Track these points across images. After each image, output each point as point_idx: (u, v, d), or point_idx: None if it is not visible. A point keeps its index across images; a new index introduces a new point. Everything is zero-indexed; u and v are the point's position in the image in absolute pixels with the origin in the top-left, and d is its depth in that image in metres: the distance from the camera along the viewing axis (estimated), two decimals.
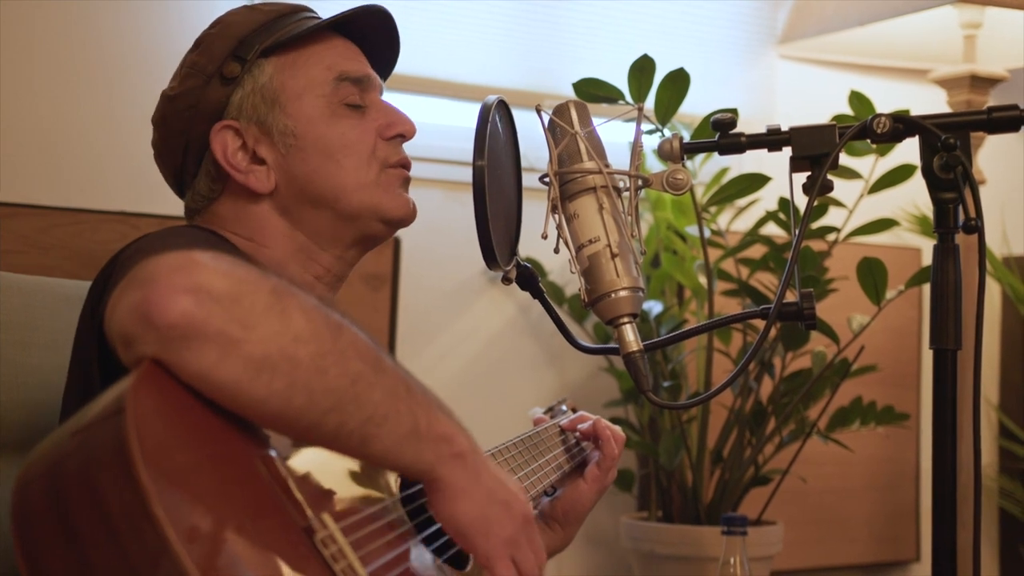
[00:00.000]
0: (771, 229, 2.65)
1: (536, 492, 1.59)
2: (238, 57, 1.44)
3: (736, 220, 2.94)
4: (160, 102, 1.47)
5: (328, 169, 1.44)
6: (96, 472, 0.86)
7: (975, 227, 1.29)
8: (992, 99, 2.90)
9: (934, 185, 1.33)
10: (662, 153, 1.38)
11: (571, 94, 2.25)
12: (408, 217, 1.48)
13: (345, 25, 1.50)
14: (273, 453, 1.01)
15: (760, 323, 1.37)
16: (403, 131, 1.48)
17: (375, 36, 1.53)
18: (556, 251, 1.38)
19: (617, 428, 1.75)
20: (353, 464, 1.17)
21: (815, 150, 1.35)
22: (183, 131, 1.44)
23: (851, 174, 2.50)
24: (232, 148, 1.43)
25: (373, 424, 1.05)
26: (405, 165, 1.49)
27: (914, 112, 1.39)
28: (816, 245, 2.61)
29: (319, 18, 1.50)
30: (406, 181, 1.49)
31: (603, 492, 1.71)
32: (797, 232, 1.34)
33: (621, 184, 1.37)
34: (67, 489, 0.87)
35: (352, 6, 1.49)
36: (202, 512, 0.88)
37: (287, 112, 1.44)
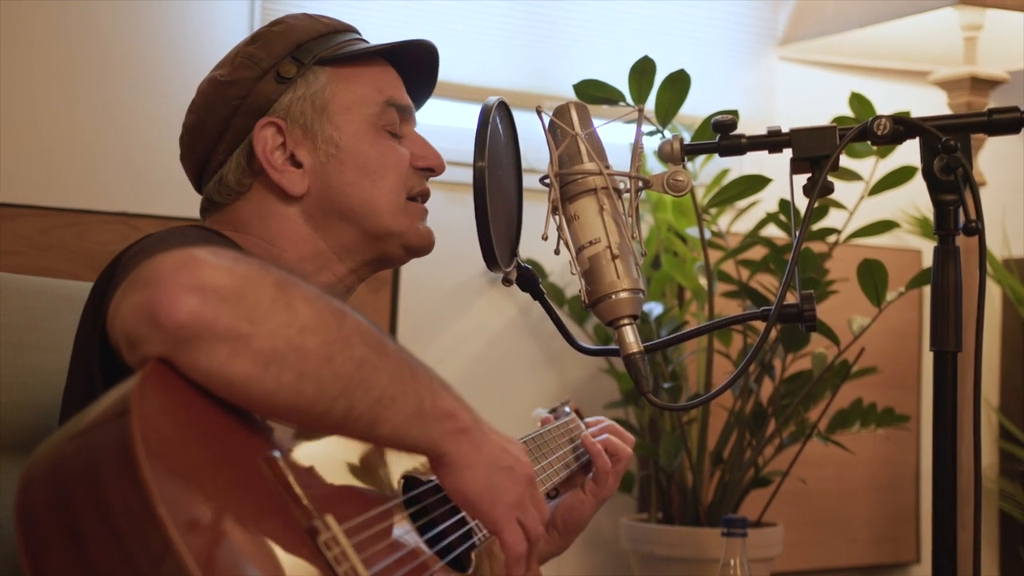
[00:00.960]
0: (771, 231, 2.65)
1: (542, 492, 1.58)
2: (296, 59, 1.46)
3: (736, 222, 2.94)
4: (206, 85, 1.48)
5: (363, 185, 1.46)
6: (100, 472, 0.86)
7: (975, 229, 1.29)
8: (992, 101, 2.91)
9: (934, 187, 1.33)
10: (663, 155, 1.38)
11: (571, 95, 2.25)
12: (428, 247, 1.53)
13: (394, 53, 1.52)
14: (277, 454, 1.01)
15: (760, 325, 1.37)
16: (433, 165, 1.53)
17: (417, 68, 1.55)
18: (557, 252, 1.38)
19: (615, 441, 1.72)
20: (357, 465, 1.17)
21: (815, 152, 1.35)
22: (226, 118, 1.45)
23: (851, 176, 2.50)
24: (272, 145, 1.44)
25: (381, 406, 1.07)
26: (426, 195, 1.53)
27: (914, 114, 1.39)
28: (816, 247, 2.61)
29: (366, 41, 1.53)
30: (426, 214, 1.53)
31: (602, 503, 1.71)
32: (798, 234, 1.34)
33: (622, 185, 1.37)
34: (71, 489, 0.87)
35: (380, 30, 1.50)
36: (205, 513, 0.88)
37: (334, 122, 1.46)
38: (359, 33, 1.55)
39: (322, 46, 1.48)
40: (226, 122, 1.45)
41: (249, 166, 1.45)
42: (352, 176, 1.46)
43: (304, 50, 1.46)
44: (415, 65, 1.55)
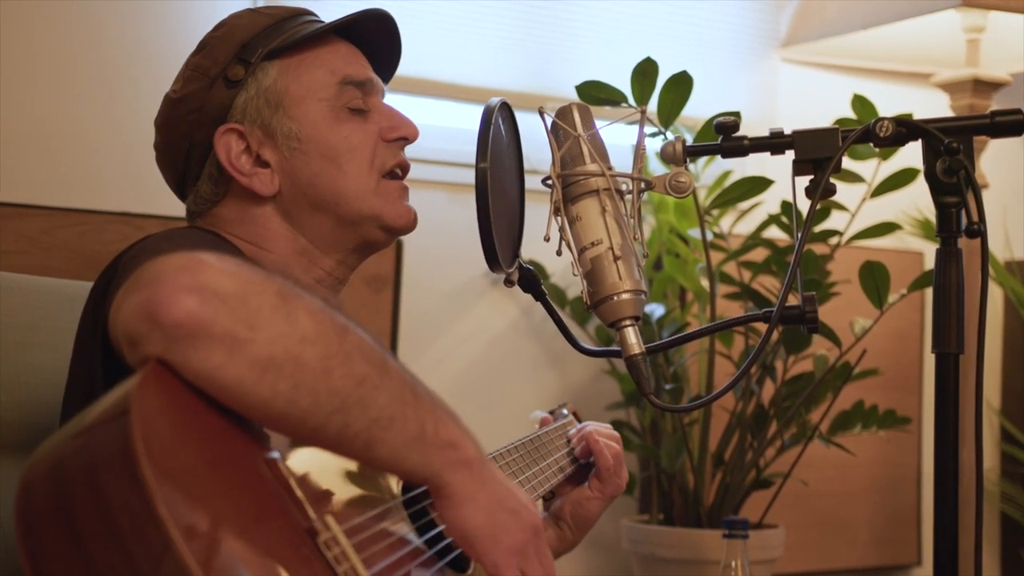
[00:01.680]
0: (773, 232, 2.65)
1: (537, 496, 1.59)
2: (242, 60, 1.44)
3: (738, 223, 2.94)
4: (163, 105, 1.47)
5: (330, 173, 1.44)
6: (101, 472, 0.86)
7: (978, 231, 1.29)
8: (995, 103, 2.90)
9: (937, 189, 1.33)
10: (665, 156, 1.38)
11: (574, 96, 2.25)
12: (409, 226, 1.49)
13: (347, 29, 1.50)
14: (277, 455, 1.01)
15: (762, 326, 1.37)
16: (406, 134, 1.50)
17: (377, 40, 1.53)
18: (559, 253, 1.38)
19: (607, 429, 1.74)
20: (356, 466, 1.17)
21: (818, 153, 1.35)
22: (186, 134, 1.44)
23: (854, 178, 2.50)
24: (236, 151, 1.44)
25: (379, 427, 1.05)
26: (403, 167, 1.50)
27: (917, 116, 1.39)
28: (818, 248, 2.61)
29: (321, 22, 1.51)
30: (405, 191, 1.50)
31: (610, 500, 1.70)
32: (800, 235, 1.34)
33: (624, 187, 1.37)
34: (71, 489, 0.87)
35: (354, 10, 1.49)
36: (206, 513, 0.88)
37: (291, 115, 1.44)
38: (313, 15, 1.52)
39: (268, 40, 1.45)
40: (188, 138, 1.44)
41: (220, 175, 1.45)
42: (318, 166, 1.44)
43: (249, 48, 1.45)
44: (374, 38, 1.53)
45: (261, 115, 1.44)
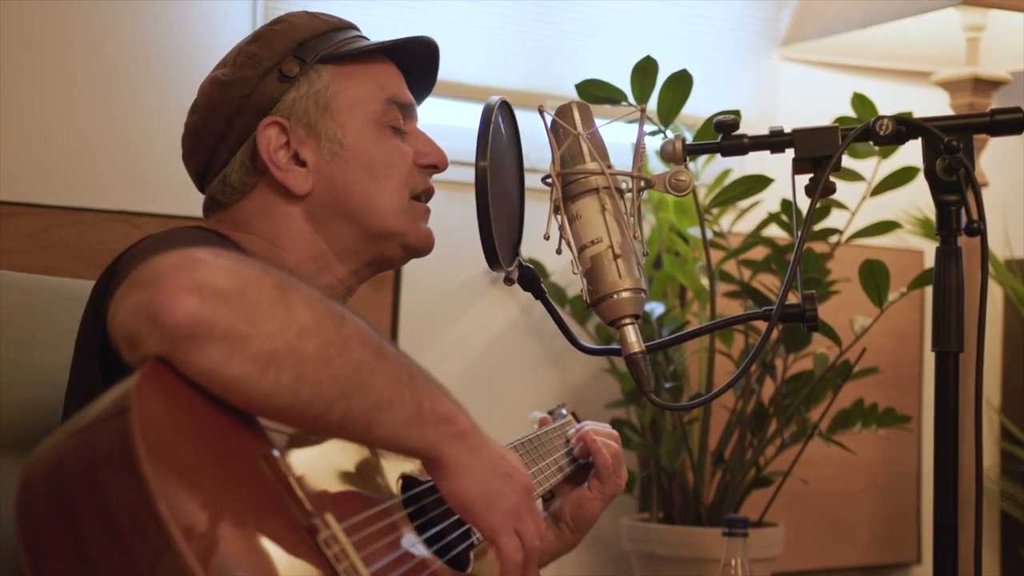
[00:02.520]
0: (773, 231, 2.65)
1: (536, 496, 1.58)
2: (298, 58, 1.46)
3: (738, 222, 2.94)
4: (208, 85, 1.48)
5: (367, 184, 1.46)
6: (101, 470, 0.86)
7: (977, 229, 1.29)
8: (995, 102, 2.90)
9: (936, 187, 1.33)
10: (664, 154, 1.38)
11: (574, 95, 2.25)
12: (428, 248, 1.53)
13: (395, 51, 1.53)
14: (276, 453, 1.02)
15: (762, 325, 1.37)
16: (437, 162, 1.53)
17: (418, 65, 1.56)
18: (558, 252, 1.38)
19: (605, 428, 1.74)
20: (356, 465, 1.17)
21: (818, 152, 1.35)
22: (228, 118, 1.45)
23: (853, 176, 2.50)
24: (276, 144, 1.44)
25: (378, 410, 1.07)
26: (430, 193, 1.53)
27: (917, 114, 1.39)
28: (818, 247, 2.61)
29: (367, 39, 1.53)
30: (428, 214, 1.53)
31: (610, 499, 1.71)
32: (799, 234, 1.34)
33: (623, 185, 1.37)
34: (71, 487, 0.87)
35: (382, 29, 1.51)
36: (206, 511, 0.88)
37: (337, 120, 1.46)
38: (359, 31, 1.55)
39: (324, 44, 1.48)
40: (229, 122, 1.45)
41: (253, 165, 1.45)
42: (356, 174, 1.46)
43: (306, 48, 1.46)
44: (416, 62, 1.55)
45: (308, 115, 1.45)
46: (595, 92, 2.26)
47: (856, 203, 2.57)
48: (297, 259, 1.46)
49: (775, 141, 1.38)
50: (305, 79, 1.46)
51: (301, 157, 1.45)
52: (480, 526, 1.18)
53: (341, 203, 1.46)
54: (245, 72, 1.45)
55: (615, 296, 1.32)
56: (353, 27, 1.54)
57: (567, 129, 1.37)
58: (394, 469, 1.27)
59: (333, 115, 1.46)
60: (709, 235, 2.53)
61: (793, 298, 1.35)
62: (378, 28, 2.41)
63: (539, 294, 1.47)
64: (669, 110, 2.27)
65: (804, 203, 1.34)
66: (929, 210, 3.03)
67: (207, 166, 1.48)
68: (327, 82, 1.46)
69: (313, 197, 1.46)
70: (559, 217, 1.37)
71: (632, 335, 1.33)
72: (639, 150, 1.38)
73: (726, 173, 2.70)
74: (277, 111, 1.45)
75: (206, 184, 1.50)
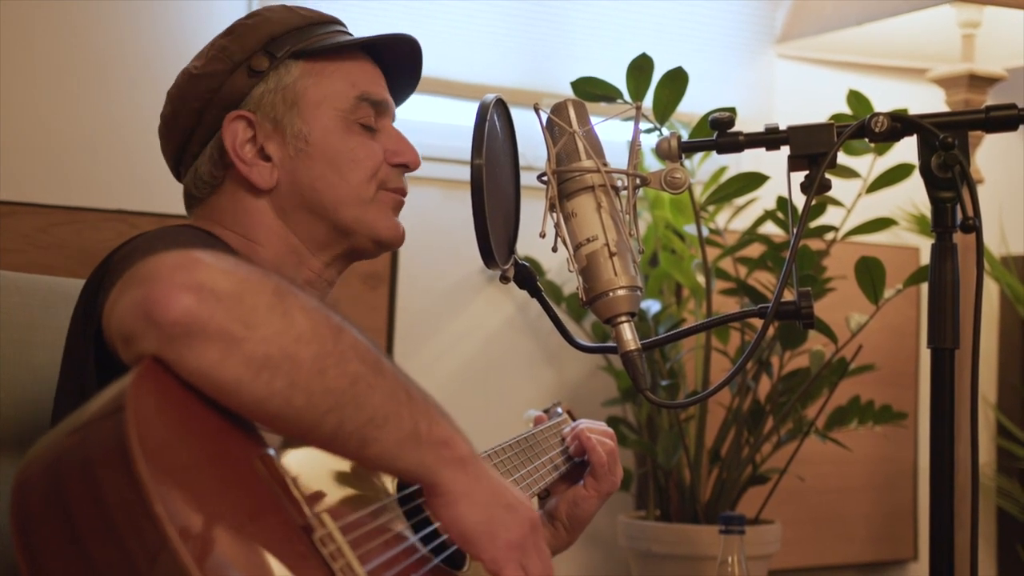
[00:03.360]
0: (769, 228, 2.65)
1: (531, 494, 1.59)
2: (268, 53, 1.45)
3: (734, 219, 2.94)
4: (181, 77, 1.48)
5: (331, 179, 1.45)
6: (96, 469, 0.86)
7: (973, 226, 1.29)
8: (990, 98, 2.91)
9: (932, 184, 1.33)
10: (660, 152, 1.38)
11: (569, 93, 2.25)
12: (396, 241, 1.51)
13: (374, 47, 1.52)
14: (272, 452, 1.01)
15: (758, 322, 1.36)
16: (407, 160, 1.51)
17: (399, 63, 1.55)
18: (554, 250, 1.38)
19: (601, 426, 1.74)
20: (351, 464, 1.17)
21: (813, 149, 1.35)
22: (197, 111, 1.45)
23: (849, 173, 2.50)
24: (242, 139, 1.44)
25: (373, 426, 1.05)
26: (402, 192, 1.51)
27: (912, 111, 1.39)
28: (814, 244, 2.61)
29: (350, 33, 1.53)
30: (399, 206, 1.51)
31: (606, 497, 1.70)
32: (795, 231, 1.34)
33: (619, 183, 1.37)
34: (67, 486, 0.87)
35: (376, 27, 1.50)
36: (201, 510, 0.88)
37: (304, 117, 1.45)
38: (343, 25, 1.54)
39: (297, 39, 1.47)
40: (198, 115, 1.45)
41: (221, 159, 1.45)
42: (320, 170, 1.45)
43: (278, 43, 1.46)
44: (397, 61, 1.54)
45: (275, 110, 1.45)
46: (591, 89, 2.26)
47: (852, 200, 2.57)
48: (273, 253, 1.45)
49: (771, 138, 1.38)
50: (274, 74, 1.45)
51: (267, 152, 1.45)
52: (482, 558, 1.14)
53: (307, 199, 1.45)
54: (215, 66, 1.45)
55: (611, 294, 1.32)
56: (335, 21, 1.53)
57: (563, 127, 1.37)
58: None
59: (300, 111, 1.45)
60: (705, 232, 2.54)
61: (789, 295, 1.35)
62: (371, 25, 2.41)
63: (535, 292, 1.47)
64: (665, 107, 2.27)
65: (800, 200, 1.34)
66: (925, 207, 3.02)
67: (180, 157, 1.49)
68: (296, 78, 1.46)
69: (279, 191, 1.45)
70: (555, 215, 1.37)
71: (628, 333, 1.33)
72: (635, 148, 1.38)
73: (722, 171, 2.70)
74: (245, 105, 1.44)
75: (181, 175, 1.50)
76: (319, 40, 1.48)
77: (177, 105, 1.47)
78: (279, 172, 1.45)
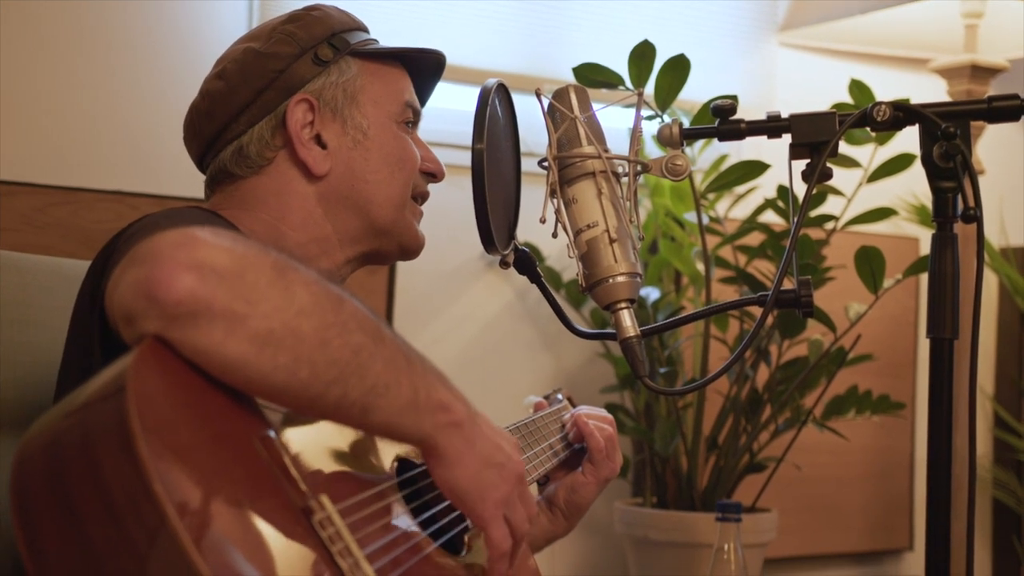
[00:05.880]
0: (769, 217, 2.65)
1: (531, 480, 1.59)
2: (332, 46, 1.49)
3: (734, 207, 2.94)
4: (241, 54, 1.48)
5: (383, 174, 1.49)
6: (96, 449, 0.86)
7: (974, 217, 1.29)
8: (992, 89, 2.90)
9: (933, 174, 1.33)
10: (661, 139, 1.38)
11: (571, 79, 2.25)
12: (417, 251, 1.57)
13: (407, 57, 1.56)
14: (272, 434, 1.02)
15: (757, 310, 1.37)
16: (436, 170, 1.57)
17: (421, 75, 1.59)
18: (554, 236, 1.38)
19: (600, 412, 1.74)
20: (351, 446, 1.17)
21: (815, 138, 1.35)
22: (258, 89, 1.46)
23: (850, 162, 2.50)
24: (304, 122, 1.46)
25: (374, 394, 1.07)
26: (425, 198, 1.57)
27: (914, 101, 1.39)
28: (814, 233, 2.61)
29: (377, 40, 1.57)
30: (421, 217, 1.57)
31: (605, 484, 1.71)
32: (795, 220, 1.34)
33: (620, 169, 1.37)
34: (67, 465, 0.87)
35: (378, 15, 1.51)
36: (201, 490, 0.88)
37: (363, 111, 1.49)
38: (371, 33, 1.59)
39: (353, 39, 1.51)
40: (258, 93, 1.46)
41: (273, 140, 1.46)
42: (376, 164, 1.49)
43: (339, 39, 1.50)
44: (420, 71, 1.59)
45: (336, 101, 1.48)
46: (592, 76, 2.26)
47: (853, 189, 2.57)
48: (301, 240, 1.47)
49: (772, 126, 1.38)
50: (336, 67, 1.49)
51: (323, 139, 1.47)
52: (471, 516, 1.18)
53: (356, 190, 1.48)
54: (282, 48, 1.47)
55: (611, 280, 1.32)
56: (367, 29, 1.58)
57: (564, 113, 1.37)
58: (389, 451, 1.27)
59: (359, 106, 1.49)
60: (705, 220, 2.53)
61: (789, 284, 1.35)
62: (374, 13, 2.41)
63: (535, 278, 1.47)
64: (666, 95, 2.27)
65: (800, 189, 1.34)
66: (925, 197, 3.02)
67: (219, 134, 1.48)
68: (355, 74, 1.50)
69: (328, 180, 1.48)
70: (555, 201, 1.37)
71: (627, 319, 1.33)
72: (636, 134, 1.38)
73: (723, 158, 2.70)
74: (307, 91, 1.47)
75: (210, 152, 1.49)
76: (368, 44, 1.53)
77: (236, 81, 1.47)
78: (332, 161, 1.47)
